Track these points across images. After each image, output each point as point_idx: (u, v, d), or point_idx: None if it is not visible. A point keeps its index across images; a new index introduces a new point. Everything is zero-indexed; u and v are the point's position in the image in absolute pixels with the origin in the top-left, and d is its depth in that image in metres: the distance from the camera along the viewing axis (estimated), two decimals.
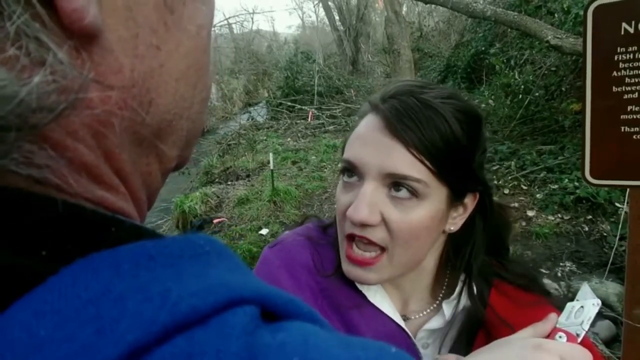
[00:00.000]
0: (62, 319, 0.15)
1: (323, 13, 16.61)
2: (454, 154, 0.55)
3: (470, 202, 0.61)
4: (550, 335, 0.54)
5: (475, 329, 0.63)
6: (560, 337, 0.53)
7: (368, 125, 0.57)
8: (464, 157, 0.56)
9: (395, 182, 0.55)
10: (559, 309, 0.58)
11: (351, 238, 0.58)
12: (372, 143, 0.55)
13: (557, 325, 0.55)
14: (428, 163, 0.53)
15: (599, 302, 0.56)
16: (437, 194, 0.56)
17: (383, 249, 0.57)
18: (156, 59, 0.22)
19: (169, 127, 0.25)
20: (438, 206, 0.56)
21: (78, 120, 0.19)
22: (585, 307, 0.55)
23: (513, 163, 4.57)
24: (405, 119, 0.54)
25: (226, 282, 0.19)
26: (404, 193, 0.55)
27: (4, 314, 0.15)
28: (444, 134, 0.54)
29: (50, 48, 0.17)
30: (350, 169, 0.58)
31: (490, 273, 0.65)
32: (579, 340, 0.52)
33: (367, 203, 0.54)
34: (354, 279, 0.60)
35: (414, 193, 0.55)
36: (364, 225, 0.56)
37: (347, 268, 0.59)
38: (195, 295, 0.17)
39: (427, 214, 0.56)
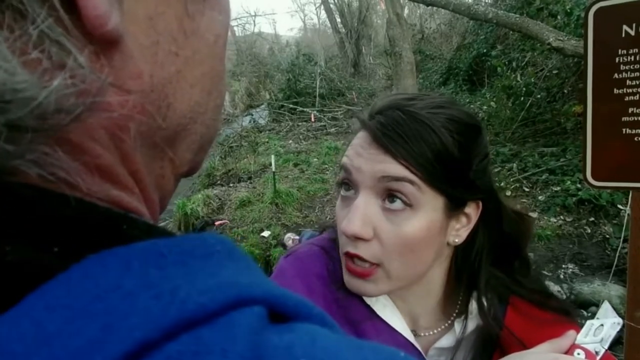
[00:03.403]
0: (70, 314, 0.15)
1: (325, 15, 16.68)
2: (445, 164, 0.54)
3: (473, 211, 0.59)
4: (568, 351, 0.53)
5: (491, 349, 0.61)
6: (578, 353, 0.52)
7: (359, 142, 0.58)
8: (458, 166, 0.55)
9: (389, 192, 0.54)
10: (579, 327, 0.57)
11: (348, 255, 0.58)
12: (364, 155, 0.56)
13: (576, 342, 0.54)
14: (419, 173, 0.53)
15: (620, 321, 0.55)
16: (431, 202, 0.55)
17: (377, 265, 0.56)
18: (174, 65, 0.23)
19: (183, 132, 0.25)
20: (434, 216, 0.55)
21: (96, 123, 0.20)
22: (605, 325, 0.54)
23: (515, 165, 4.57)
24: (391, 133, 0.54)
25: (235, 282, 0.19)
26: (398, 204, 0.54)
27: (15, 308, 0.15)
28: (432, 145, 0.53)
29: (71, 52, 0.18)
30: (347, 180, 0.58)
31: (504, 290, 0.63)
32: (598, 358, 0.52)
33: (360, 216, 0.54)
34: (354, 290, 0.59)
35: (408, 203, 0.54)
36: (357, 240, 0.55)
37: (347, 279, 0.59)
38: (203, 293, 0.17)
39: (422, 224, 0.54)
